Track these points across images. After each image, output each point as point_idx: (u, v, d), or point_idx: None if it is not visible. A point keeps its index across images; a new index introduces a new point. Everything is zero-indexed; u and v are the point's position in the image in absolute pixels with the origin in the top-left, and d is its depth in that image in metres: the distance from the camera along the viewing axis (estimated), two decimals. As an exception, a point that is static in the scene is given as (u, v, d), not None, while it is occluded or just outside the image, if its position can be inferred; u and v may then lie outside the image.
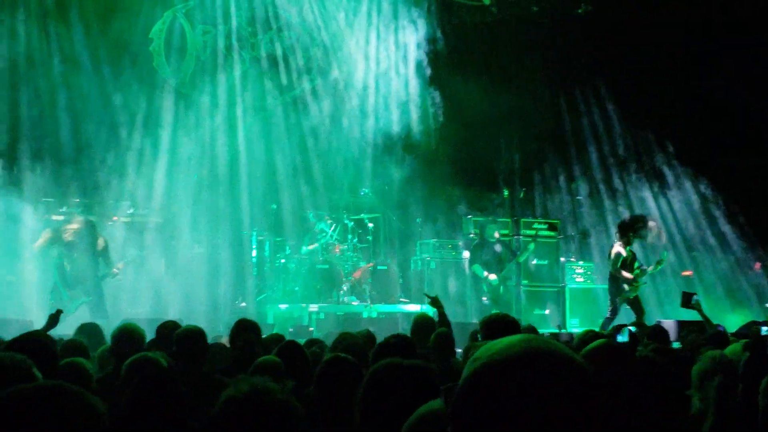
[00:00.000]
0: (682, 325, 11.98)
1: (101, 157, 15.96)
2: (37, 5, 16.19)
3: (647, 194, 18.78)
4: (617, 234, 13.98)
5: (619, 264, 13.58)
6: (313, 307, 14.83)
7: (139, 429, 4.02)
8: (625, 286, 13.60)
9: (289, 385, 4.57)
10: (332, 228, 16.07)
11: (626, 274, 13.55)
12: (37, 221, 14.34)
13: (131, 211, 15.31)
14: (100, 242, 13.16)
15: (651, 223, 14.68)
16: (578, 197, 19.20)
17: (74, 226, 13.12)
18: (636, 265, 13.69)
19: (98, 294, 12.92)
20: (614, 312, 13.72)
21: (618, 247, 13.71)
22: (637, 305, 13.75)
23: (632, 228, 13.83)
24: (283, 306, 15.18)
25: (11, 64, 15.84)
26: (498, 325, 5.67)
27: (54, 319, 7.31)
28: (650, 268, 13.93)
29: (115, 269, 13.12)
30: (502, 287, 14.99)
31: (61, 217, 14.52)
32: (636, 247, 14.14)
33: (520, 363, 1.69)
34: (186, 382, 5.24)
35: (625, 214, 16.99)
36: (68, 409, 1.95)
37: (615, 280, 13.75)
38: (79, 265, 12.84)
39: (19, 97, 15.83)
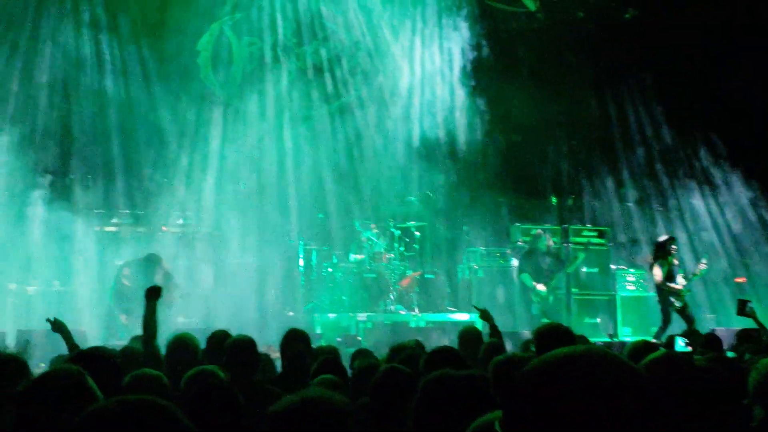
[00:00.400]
0: (736, 333, 11.80)
1: (151, 169, 16.15)
2: (88, 19, 16.44)
3: (698, 198, 18.56)
4: (653, 253, 14.44)
5: (664, 276, 13.95)
6: (361, 317, 14.81)
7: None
8: (671, 298, 13.98)
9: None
10: (379, 237, 16.05)
11: (673, 286, 13.98)
12: (88, 233, 14.57)
13: (181, 221, 15.44)
14: (158, 277, 13.23)
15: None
16: (627, 203, 18.98)
17: (129, 269, 13.27)
18: (680, 272, 14.15)
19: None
20: (666, 322, 13.97)
21: (657, 265, 14.10)
22: (686, 314, 14.04)
23: (664, 248, 14.19)
24: (330, 315, 15.19)
25: (63, 79, 16.12)
26: (551, 335, 5.58)
27: (58, 327, 7.17)
28: (694, 274, 14.33)
29: (176, 298, 13.22)
30: (551, 297, 14.88)
31: (113, 228, 14.73)
32: (678, 254, 14.70)
33: (574, 362, 1.69)
34: (239, 392, 5.25)
35: (675, 219, 17.89)
36: (157, 424, 1.94)
37: (661, 291, 14.10)
38: (136, 293, 12.92)
39: (70, 110, 16.10)
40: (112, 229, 14.78)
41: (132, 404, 1.97)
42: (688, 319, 13.93)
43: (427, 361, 4.92)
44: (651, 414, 1.65)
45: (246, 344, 5.84)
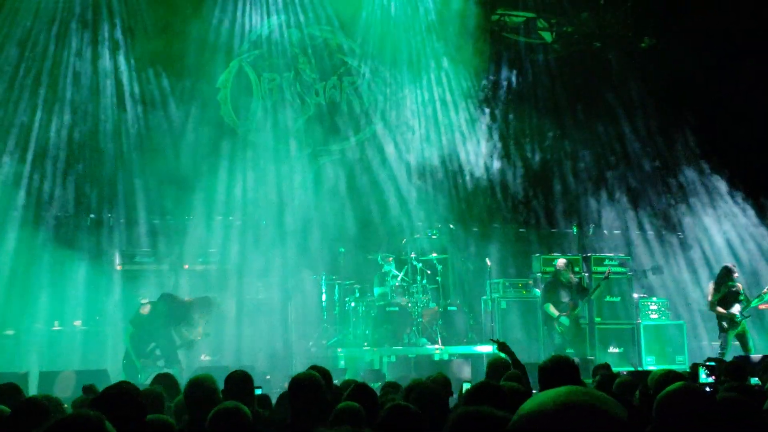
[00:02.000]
0: (763, 359, 11.71)
1: (172, 207, 16.22)
2: (109, 56, 16.61)
3: (716, 226, 18.50)
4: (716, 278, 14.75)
5: (715, 301, 14.22)
6: (384, 351, 14.80)
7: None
8: (724, 323, 14.19)
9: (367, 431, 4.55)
10: (401, 270, 16.06)
11: (720, 310, 14.22)
12: (110, 272, 14.66)
13: (202, 259, 15.50)
14: (180, 309, 13.19)
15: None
16: (648, 231, 18.92)
17: (147, 306, 13.21)
18: (740, 298, 14.24)
19: (171, 349, 12.94)
20: (724, 347, 14.14)
21: (712, 290, 14.38)
22: (743, 340, 14.20)
23: (722, 276, 14.49)
24: (354, 350, 15.17)
25: (84, 117, 16.28)
26: (553, 368, 5.41)
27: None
28: (752, 300, 14.43)
29: (197, 336, 13.20)
30: (574, 327, 14.79)
31: (135, 267, 14.80)
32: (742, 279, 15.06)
33: (554, 417, 1.71)
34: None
35: (695, 247, 18.16)
36: None
37: (717, 317, 14.36)
38: (152, 337, 12.89)
39: (93, 154, 16.25)
40: (135, 267, 14.86)
41: None
42: (744, 346, 14.10)
43: (469, 397, 4.85)
44: None
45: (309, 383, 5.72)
